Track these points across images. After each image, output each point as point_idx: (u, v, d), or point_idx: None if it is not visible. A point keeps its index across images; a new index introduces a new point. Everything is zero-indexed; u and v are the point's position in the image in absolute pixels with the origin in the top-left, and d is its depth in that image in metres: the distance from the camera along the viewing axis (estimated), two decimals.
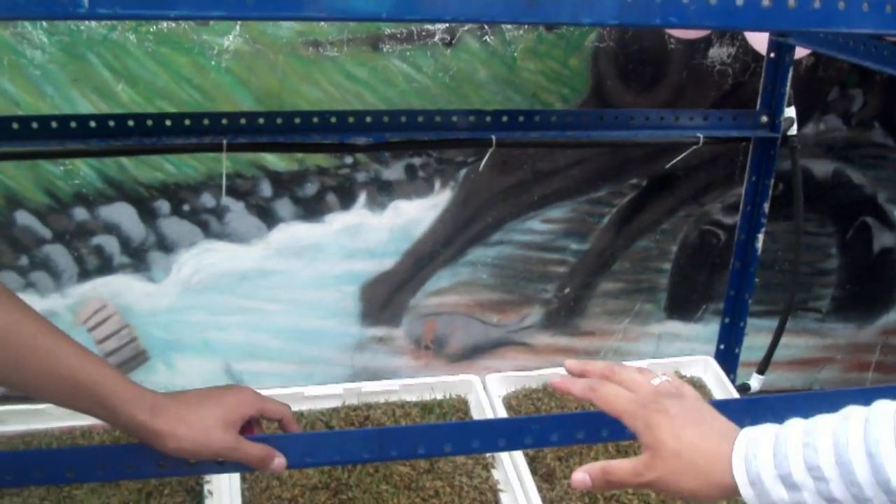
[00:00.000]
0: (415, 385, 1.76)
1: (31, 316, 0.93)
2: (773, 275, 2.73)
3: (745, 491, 0.83)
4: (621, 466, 0.92)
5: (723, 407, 0.95)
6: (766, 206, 1.84)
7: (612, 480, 0.93)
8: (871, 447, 0.77)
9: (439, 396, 1.76)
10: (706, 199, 2.63)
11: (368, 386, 1.74)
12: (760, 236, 1.86)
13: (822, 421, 0.82)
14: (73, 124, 1.44)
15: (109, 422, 0.98)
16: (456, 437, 1.11)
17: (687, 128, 1.71)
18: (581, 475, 0.94)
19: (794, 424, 0.84)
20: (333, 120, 1.54)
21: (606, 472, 0.93)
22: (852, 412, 0.81)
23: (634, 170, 2.54)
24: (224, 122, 1.50)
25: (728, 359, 1.96)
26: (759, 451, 0.83)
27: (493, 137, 1.58)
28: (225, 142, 1.47)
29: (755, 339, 2.30)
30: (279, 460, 1.06)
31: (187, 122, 1.48)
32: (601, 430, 1.16)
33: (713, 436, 0.89)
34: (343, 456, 1.09)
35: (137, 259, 2.36)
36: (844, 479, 0.78)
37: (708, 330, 2.76)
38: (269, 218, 2.38)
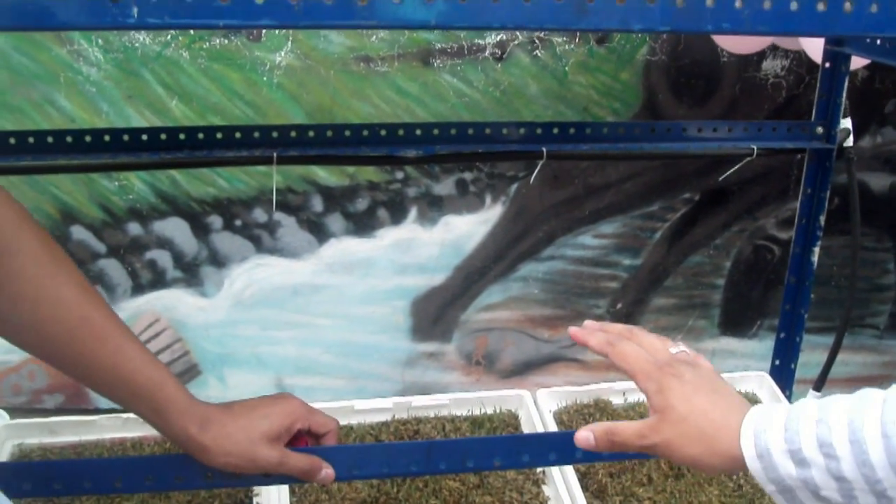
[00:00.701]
0: (465, 399, 1.75)
1: (104, 310, 0.93)
2: (830, 290, 2.69)
3: (752, 464, 0.82)
4: (627, 427, 0.92)
5: None
6: (822, 219, 1.81)
7: (616, 441, 0.92)
8: (888, 428, 0.75)
9: (490, 411, 1.75)
10: (760, 214, 2.60)
11: (418, 400, 1.73)
12: (816, 250, 1.83)
13: (838, 400, 0.81)
14: (125, 137, 1.45)
15: (160, 430, 0.98)
16: (506, 450, 1.10)
17: (740, 139, 1.69)
18: (585, 433, 0.94)
19: (808, 402, 0.83)
20: (383, 133, 1.54)
21: (611, 433, 0.93)
22: (869, 393, 0.79)
23: (687, 184, 2.51)
24: (274, 135, 1.50)
25: (783, 375, 1.92)
26: (770, 424, 0.82)
27: (544, 150, 1.57)
28: (275, 154, 1.47)
29: (811, 356, 2.27)
30: (326, 472, 1.05)
31: (238, 135, 1.48)
32: None
33: (723, 405, 0.88)
34: (391, 469, 1.08)
35: (190, 273, 2.38)
36: (856, 458, 0.76)
37: (763, 346, 2.72)
38: (320, 233, 2.39)
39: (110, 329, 0.93)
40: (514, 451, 1.10)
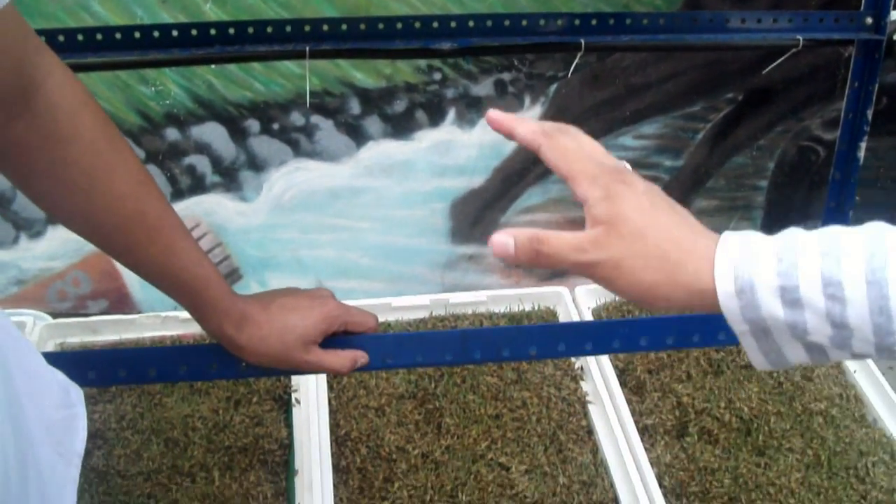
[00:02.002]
0: (503, 296, 1.74)
1: (159, 205, 0.91)
2: (875, 193, 2.64)
3: (727, 301, 0.65)
4: (560, 238, 0.72)
5: None
6: (869, 114, 1.76)
7: (544, 252, 0.73)
8: None
9: (527, 308, 1.74)
10: (805, 114, 2.54)
11: (456, 297, 1.73)
12: (862, 145, 1.79)
13: (846, 231, 0.64)
14: (155, 34, 1.44)
15: (201, 325, 0.99)
16: (542, 340, 1.09)
17: (785, 30, 1.64)
18: (503, 238, 0.75)
19: (800, 232, 0.65)
20: (417, 25, 1.51)
21: (538, 240, 0.73)
22: (889, 228, 0.64)
23: (730, 83, 2.46)
24: (307, 28, 1.48)
25: None
26: (754, 254, 0.64)
27: (583, 41, 1.54)
28: (308, 48, 1.45)
29: None
30: (361, 361, 1.05)
31: (269, 29, 1.46)
32: (693, 335, 1.12)
33: (688, 227, 0.70)
34: (425, 357, 1.08)
35: (229, 178, 2.37)
36: (872, 303, 0.59)
37: None
38: (358, 136, 2.37)
39: (163, 225, 0.91)
40: (550, 341, 1.09)
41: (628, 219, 0.69)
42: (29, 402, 0.73)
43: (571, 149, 0.78)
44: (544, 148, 0.79)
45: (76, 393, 0.85)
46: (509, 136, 0.82)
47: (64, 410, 0.81)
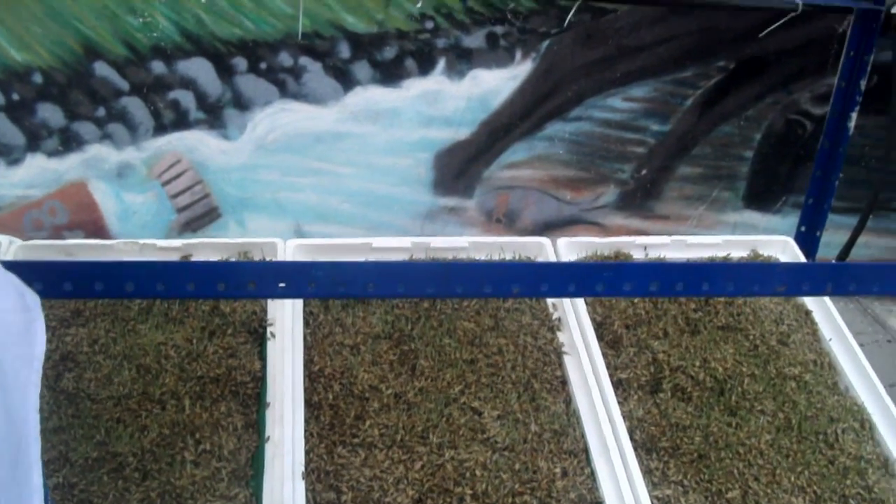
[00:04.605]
0: (484, 244, 1.73)
1: None
2: (859, 171, 2.64)
3: None
4: None
5: (804, 271, 0.90)
6: (863, 84, 1.76)
7: None
8: None
9: (508, 257, 1.73)
10: (795, 88, 2.54)
11: (437, 241, 1.71)
12: (853, 115, 1.78)
13: None
14: None
15: None
16: (525, 278, 1.08)
17: None
18: None
19: None
20: None
21: None
22: None
23: (723, 51, 2.45)
24: None
25: (808, 242, 1.90)
26: None
27: None
28: None
29: (834, 237, 2.23)
30: None
31: None
32: (676, 283, 1.12)
33: None
34: (407, 288, 1.06)
35: (213, 115, 2.35)
36: None
37: (786, 223, 2.69)
38: (345, 80, 2.35)
39: None
40: (533, 280, 1.08)
41: None
42: None
43: None
44: None
45: (32, 298, 0.83)
46: None
47: (21, 314, 0.80)
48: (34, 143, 2.28)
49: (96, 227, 2.44)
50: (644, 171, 2.56)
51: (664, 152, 2.54)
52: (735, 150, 2.59)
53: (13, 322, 0.77)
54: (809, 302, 1.77)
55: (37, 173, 2.32)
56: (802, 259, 1.82)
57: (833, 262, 1.99)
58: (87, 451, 1.34)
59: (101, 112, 2.29)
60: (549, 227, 2.60)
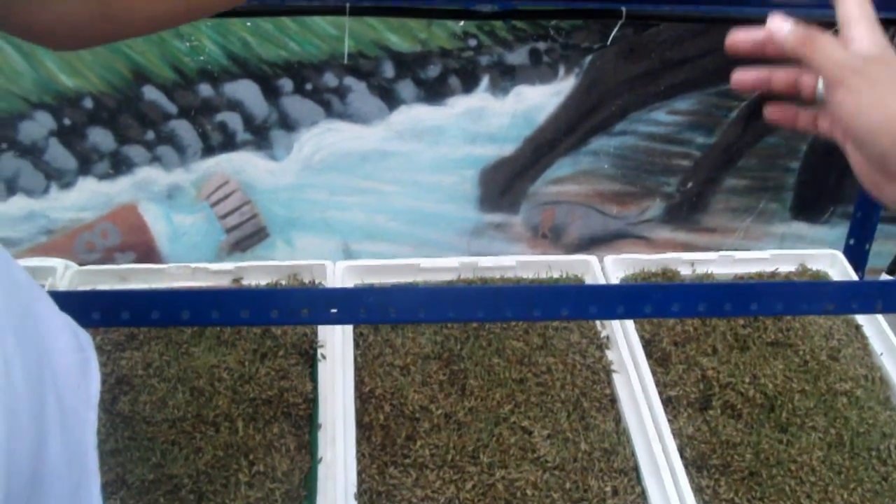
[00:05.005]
0: (532, 262, 1.74)
1: None
2: None
3: None
4: (828, 38, 0.77)
5: (854, 288, 0.90)
6: None
7: (815, 36, 0.78)
8: None
9: (556, 275, 1.74)
10: None
11: (485, 261, 1.73)
12: None
13: None
14: None
15: None
16: (574, 301, 1.09)
17: (832, 6, 1.62)
18: (781, 20, 0.80)
19: None
20: None
21: (811, 35, 0.79)
22: None
23: (768, 62, 2.44)
24: None
25: (857, 255, 1.89)
26: None
27: (624, 9, 1.53)
28: (348, 4, 1.45)
29: (883, 246, 2.21)
30: None
31: None
32: (724, 303, 1.12)
33: None
34: (457, 313, 1.08)
35: (260, 136, 2.38)
36: None
37: (833, 234, 2.67)
38: (390, 99, 2.36)
39: None
40: (582, 302, 1.09)
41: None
42: (51, 344, 0.74)
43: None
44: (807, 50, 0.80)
45: (84, 337, 0.85)
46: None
47: (76, 354, 0.81)
48: (85, 166, 2.32)
49: (147, 249, 2.47)
50: (690, 184, 2.55)
51: (710, 165, 2.54)
52: (781, 161, 2.58)
53: (71, 363, 0.79)
54: (860, 316, 1.76)
55: (88, 197, 2.36)
56: (851, 273, 1.81)
57: (883, 278, 1.97)
58: (143, 474, 1.36)
59: (151, 135, 2.32)
60: (594, 242, 2.60)
